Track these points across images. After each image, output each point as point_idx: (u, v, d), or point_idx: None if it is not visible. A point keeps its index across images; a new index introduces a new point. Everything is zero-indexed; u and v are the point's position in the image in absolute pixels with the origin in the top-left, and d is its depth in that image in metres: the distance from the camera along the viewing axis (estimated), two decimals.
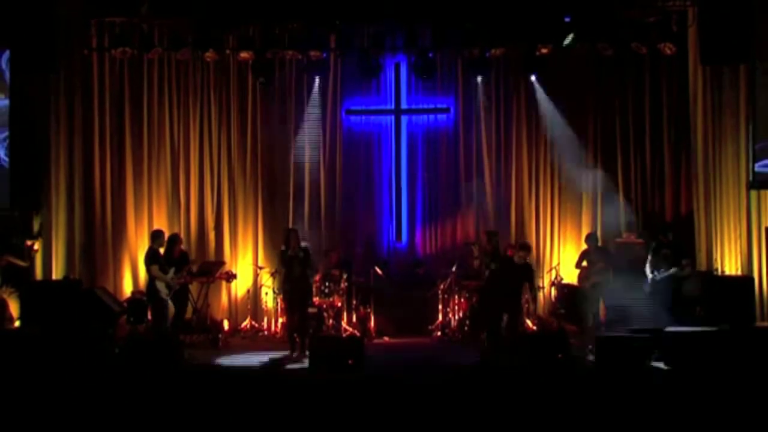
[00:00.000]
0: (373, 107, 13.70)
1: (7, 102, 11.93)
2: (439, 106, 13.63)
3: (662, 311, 10.78)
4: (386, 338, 12.32)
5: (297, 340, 11.12)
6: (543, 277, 13.12)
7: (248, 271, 13.29)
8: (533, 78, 13.18)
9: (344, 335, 11.76)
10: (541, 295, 12.92)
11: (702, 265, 11.96)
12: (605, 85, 13.26)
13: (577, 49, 12.31)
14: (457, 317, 12.43)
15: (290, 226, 12.88)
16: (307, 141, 13.59)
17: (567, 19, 12.11)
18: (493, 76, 13.35)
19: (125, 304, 12.24)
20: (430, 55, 12.74)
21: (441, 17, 12.28)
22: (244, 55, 12.65)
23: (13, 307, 11.27)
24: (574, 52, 12.42)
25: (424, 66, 12.74)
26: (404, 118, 13.71)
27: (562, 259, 13.21)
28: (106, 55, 12.88)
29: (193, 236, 13.31)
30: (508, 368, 9.96)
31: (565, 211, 13.47)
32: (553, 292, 12.71)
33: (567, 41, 12.13)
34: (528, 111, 13.49)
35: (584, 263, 12.25)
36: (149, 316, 11.68)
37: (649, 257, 11.47)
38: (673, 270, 11.22)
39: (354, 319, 12.44)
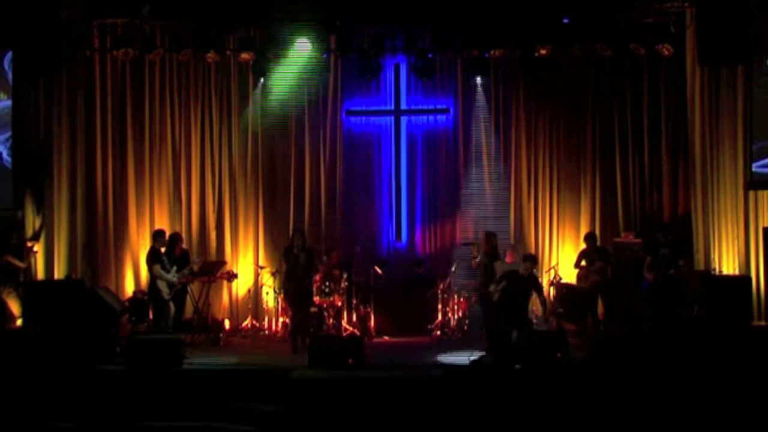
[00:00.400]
0: (373, 108, 13.76)
1: (9, 103, 11.98)
2: (438, 106, 13.67)
3: None
4: (386, 337, 12.39)
5: (291, 339, 11.26)
6: (542, 277, 13.18)
7: (249, 270, 13.35)
8: (532, 79, 13.24)
9: (344, 334, 11.83)
10: None
11: (700, 264, 12.01)
12: (604, 85, 13.31)
13: (576, 50, 12.37)
14: (456, 317, 12.50)
15: (290, 226, 13.00)
16: (308, 141, 13.65)
17: (566, 21, 12.18)
18: (492, 77, 13.40)
19: (127, 304, 12.28)
20: (430, 56, 12.81)
21: (440, 18, 12.35)
22: (244, 56, 12.73)
23: (14, 306, 11.31)
24: (573, 53, 12.47)
25: (424, 67, 12.81)
26: (404, 119, 13.76)
27: (561, 259, 13.25)
28: (108, 56, 12.94)
29: (195, 236, 13.37)
30: (507, 368, 10.04)
31: (563, 210, 13.50)
32: (552, 291, 12.76)
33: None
34: (527, 111, 13.54)
35: (583, 263, 12.33)
36: (151, 316, 11.77)
37: (648, 257, 11.53)
38: (671, 270, 11.29)
39: (354, 318, 12.50)
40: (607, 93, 13.35)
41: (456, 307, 12.55)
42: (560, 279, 12.82)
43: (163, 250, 11.52)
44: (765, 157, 11.66)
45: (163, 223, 13.02)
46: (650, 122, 13.26)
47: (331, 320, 12.13)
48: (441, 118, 13.71)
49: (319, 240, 13.26)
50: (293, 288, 11.48)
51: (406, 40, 12.70)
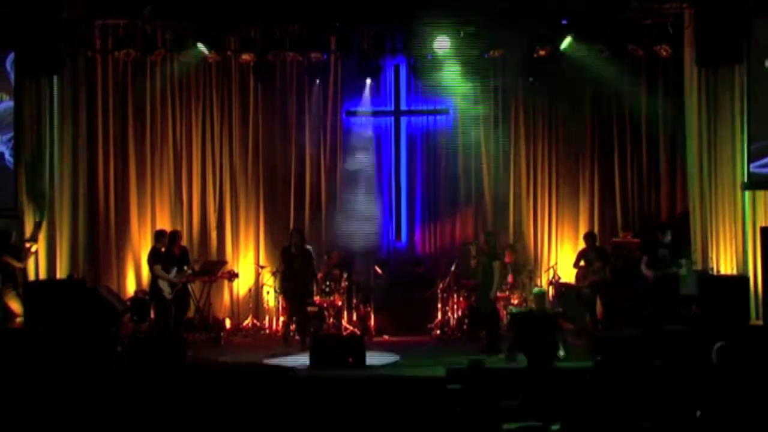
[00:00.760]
0: (372, 108, 13.82)
1: (11, 103, 12.00)
2: (438, 107, 13.75)
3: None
4: (386, 336, 12.45)
5: (297, 336, 11.32)
6: (541, 276, 13.26)
7: (250, 270, 13.42)
8: (531, 80, 13.31)
9: (345, 334, 11.90)
10: None
11: (698, 264, 12.06)
12: (602, 86, 13.37)
13: (575, 51, 12.42)
14: (456, 316, 12.56)
15: (291, 225, 13.06)
16: (308, 142, 13.70)
17: (564, 22, 12.24)
18: (491, 78, 13.46)
19: (129, 303, 12.36)
20: (429, 57, 12.87)
21: (440, 19, 12.40)
22: (245, 56, 12.79)
23: (14, 306, 11.36)
24: (571, 54, 12.52)
25: (424, 68, 12.87)
26: (404, 119, 13.84)
27: (560, 259, 13.32)
28: (110, 57, 13.02)
29: (196, 235, 13.45)
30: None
31: (562, 210, 13.57)
32: (551, 291, 12.82)
33: (564, 45, 12.28)
34: (526, 112, 13.60)
35: (582, 263, 12.38)
36: (152, 315, 11.83)
37: (645, 257, 11.58)
38: (671, 270, 11.34)
39: (354, 317, 12.57)
40: (605, 94, 13.41)
41: (455, 306, 12.61)
42: (559, 278, 12.87)
43: (163, 249, 11.59)
44: (762, 158, 11.70)
45: (164, 222, 13.09)
46: (648, 123, 13.32)
47: (331, 319, 12.21)
48: (441, 118, 13.78)
49: (319, 240, 13.33)
50: (292, 287, 11.56)
51: (406, 42, 12.76)
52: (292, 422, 7.47)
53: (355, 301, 12.64)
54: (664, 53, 12.27)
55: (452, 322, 12.53)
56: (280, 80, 13.54)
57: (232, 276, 12.70)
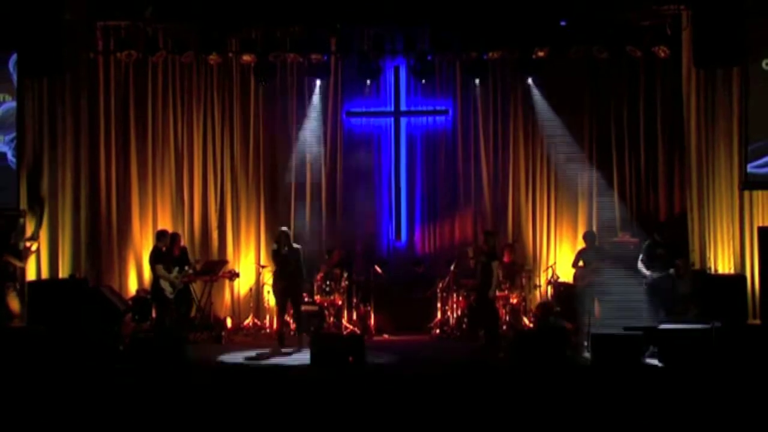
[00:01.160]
0: (372, 109, 13.88)
1: (14, 104, 12.09)
2: (437, 108, 13.80)
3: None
4: (386, 336, 12.51)
5: (293, 332, 11.40)
6: (539, 276, 13.32)
7: (251, 269, 13.47)
8: (530, 80, 13.39)
9: (345, 333, 11.96)
10: (537, 293, 13.10)
11: (696, 263, 12.12)
12: (600, 87, 13.41)
13: (573, 52, 12.49)
14: (455, 315, 12.62)
15: (291, 226, 13.09)
16: (309, 142, 13.75)
17: (563, 23, 12.30)
18: (490, 79, 13.52)
19: (130, 303, 12.42)
20: (429, 57, 12.92)
21: (439, 20, 12.48)
22: (246, 58, 12.85)
23: (14, 305, 11.42)
24: (570, 55, 12.59)
25: (423, 69, 12.93)
26: (403, 120, 13.89)
27: (559, 258, 13.35)
28: (112, 58, 13.07)
29: (197, 236, 13.49)
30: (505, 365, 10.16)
31: (561, 210, 13.60)
32: (550, 290, 12.88)
33: None
34: (525, 112, 13.66)
35: (581, 262, 12.42)
36: (154, 315, 11.90)
37: (642, 256, 11.64)
38: (670, 270, 11.40)
39: (354, 317, 12.63)
40: (603, 94, 13.45)
41: (455, 305, 12.66)
42: (558, 278, 12.89)
43: (164, 249, 11.67)
44: (760, 158, 11.77)
45: (165, 223, 13.15)
46: (646, 123, 13.34)
47: (331, 319, 12.27)
48: (440, 119, 13.84)
49: (319, 240, 13.40)
50: (283, 286, 11.43)
51: (406, 43, 12.82)
52: (291, 422, 7.53)
53: (355, 300, 12.70)
54: (663, 54, 12.32)
55: (452, 321, 12.59)
56: (281, 81, 13.59)
57: (233, 275, 12.78)
